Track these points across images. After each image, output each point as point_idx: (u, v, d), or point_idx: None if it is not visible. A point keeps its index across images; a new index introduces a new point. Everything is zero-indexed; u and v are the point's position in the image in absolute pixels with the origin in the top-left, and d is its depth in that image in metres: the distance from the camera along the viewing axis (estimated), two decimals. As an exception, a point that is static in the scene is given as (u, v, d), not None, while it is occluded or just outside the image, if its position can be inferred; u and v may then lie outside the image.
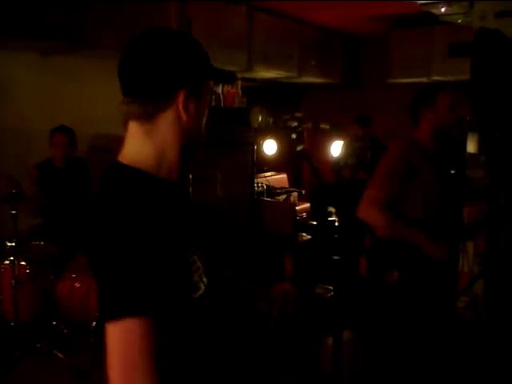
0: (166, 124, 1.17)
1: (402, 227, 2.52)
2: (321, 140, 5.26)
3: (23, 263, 3.28)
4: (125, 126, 1.21)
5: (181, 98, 1.15)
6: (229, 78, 1.16)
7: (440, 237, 2.56)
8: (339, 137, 4.41)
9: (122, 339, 1.04)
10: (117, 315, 1.04)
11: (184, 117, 1.17)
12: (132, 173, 1.16)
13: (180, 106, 1.16)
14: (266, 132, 4.77)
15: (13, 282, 3.16)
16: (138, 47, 1.16)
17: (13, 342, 3.18)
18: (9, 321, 3.25)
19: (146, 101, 1.15)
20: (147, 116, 1.16)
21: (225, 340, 1.31)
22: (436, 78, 5.35)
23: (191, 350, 1.20)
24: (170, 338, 1.13)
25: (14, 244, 3.17)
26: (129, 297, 1.05)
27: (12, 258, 3.19)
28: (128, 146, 1.20)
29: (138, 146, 1.19)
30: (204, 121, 1.24)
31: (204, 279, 1.20)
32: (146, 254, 1.06)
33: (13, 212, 3.15)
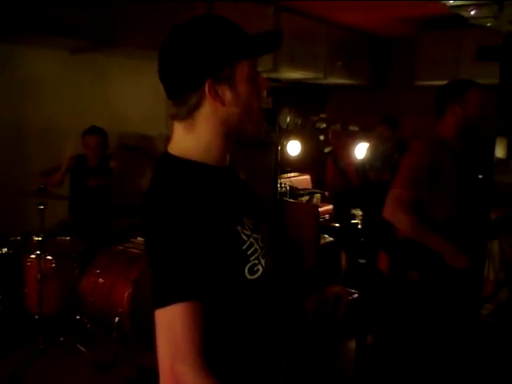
0: (203, 119, 1.16)
1: (427, 234, 2.46)
2: (346, 142, 5.23)
3: (49, 258, 3.33)
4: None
5: (207, 89, 1.12)
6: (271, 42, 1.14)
7: (462, 236, 2.51)
8: (366, 138, 4.37)
9: (169, 326, 1.06)
10: (163, 302, 1.06)
11: (220, 106, 1.14)
12: (179, 162, 1.18)
13: (210, 97, 1.13)
14: (291, 133, 4.76)
15: (38, 275, 3.20)
16: (161, 52, 1.19)
17: (37, 335, 3.23)
18: (33, 314, 3.30)
19: (177, 102, 1.17)
20: (183, 116, 1.18)
21: (281, 325, 1.29)
22: (464, 80, 5.27)
23: (243, 333, 1.19)
24: (222, 321, 1.15)
25: (40, 238, 3.22)
26: (173, 283, 1.06)
27: (38, 252, 3.24)
28: (175, 138, 1.21)
29: (183, 139, 1.20)
30: (251, 100, 1.18)
31: (262, 261, 1.19)
32: (193, 240, 1.07)
33: (40, 207, 3.19)
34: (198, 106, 1.15)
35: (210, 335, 1.09)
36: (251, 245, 1.17)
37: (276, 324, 1.26)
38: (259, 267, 1.18)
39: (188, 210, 1.08)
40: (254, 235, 1.19)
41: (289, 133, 4.82)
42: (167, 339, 1.06)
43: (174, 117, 1.19)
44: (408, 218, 2.42)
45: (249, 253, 1.16)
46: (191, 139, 1.19)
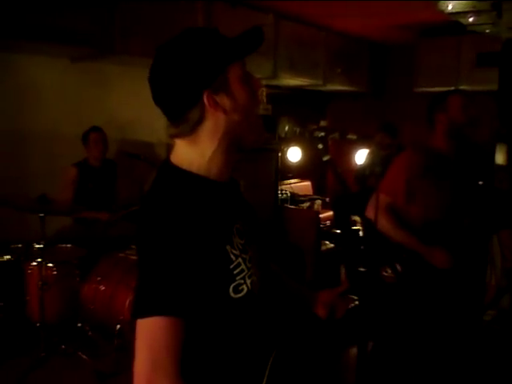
0: (207, 132, 1.18)
1: (402, 235, 2.67)
2: (345, 149, 5.24)
3: (50, 265, 3.33)
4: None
5: (207, 101, 1.14)
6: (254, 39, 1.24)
7: (448, 238, 2.65)
8: (365, 146, 4.38)
9: (148, 336, 1.08)
10: (146, 313, 1.08)
11: (221, 115, 1.16)
12: (179, 173, 1.19)
13: (211, 108, 1.14)
14: (292, 139, 4.77)
15: (39, 283, 3.20)
16: (151, 77, 1.19)
17: (38, 342, 3.23)
18: (35, 322, 3.30)
19: (179, 122, 1.19)
20: (186, 133, 1.19)
21: (268, 344, 1.31)
22: (464, 87, 5.28)
23: (225, 349, 1.21)
24: (204, 337, 1.17)
25: (41, 246, 3.23)
26: (159, 296, 1.08)
27: (39, 260, 3.24)
28: (178, 152, 1.23)
29: (186, 152, 1.21)
30: (250, 105, 1.20)
31: (248, 281, 1.20)
32: (181, 255, 1.09)
33: (41, 215, 3.20)
34: (200, 121, 1.16)
35: (191, 350, 1.12)
36: (238, 265, 1.18)
37: (258, 342, 1.27)
38: (244, 287, 1.19)
39: (180, 224, 1.10)
40: (243, 255, 1.20)
41: (290, 139, 4.83)
42: (147, 349, 1.08)
43: (176, 136, 1.21)
44: (387, 222, 2.67)
45: (235, 272, 1.18)
46: (196, 153, 1.20)
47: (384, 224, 2.68)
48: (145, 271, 1.13)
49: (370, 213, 2.64)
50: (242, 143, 1.22)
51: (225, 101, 1.15)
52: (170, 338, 1.07)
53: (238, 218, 1.26)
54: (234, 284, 1.17)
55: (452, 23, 4.41)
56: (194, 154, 1.20)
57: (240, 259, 1.19)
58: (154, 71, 1.19)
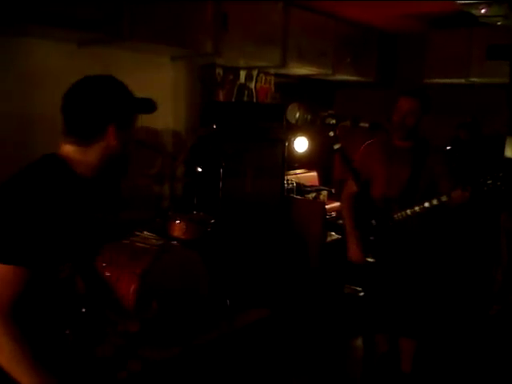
0: (98, 148, 1.58)
1: (347, 221, 3.14)
2: (355, 138, 5.20)
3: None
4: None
5: (111, 132, 1.57)
6: (150, 107, 1.77)
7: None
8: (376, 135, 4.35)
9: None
10: (5, 260, 1.40)
11: (114, 145, 1.59)
12: (61, 165, 1.58)
13: (111, 138, 1.57)
14: (299, 129, 4.74)
15: (44, 268, 3.21)
16: (71, 98, 1.59)
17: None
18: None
19: (81, 140, 1.58)
20: (81, 145, 1.58)
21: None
22: (474, 79, 5.24)
23: (44, 309, 1.57)
24: (34, 294, 1.48)
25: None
26: (19, 249, 1.41)
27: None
28: (66, 147, 1.62)
29: (71, 152, 1.60)
30: (130, 142, 1.67)
31: (70, 267, 1.55)
32: (42, 224, 1.41)
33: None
34: (97, 142, 1.57)
35: (25, 298, 1.45)
36: (71, 249, 1.54)
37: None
38: (69, 271, 1.56)
39: (50, 199, 1.44)
40: (78, 241, 1.56)
41: (297, 128, 4.80)
42: None
43: (72, 142, 1.58)
44: (342, 206, 3.26)
45: (67, 255, 1.53)
46: (80, 157, 1.58)
47: (341, 208, 3.27)
48: (8, 227, 1.42)
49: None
50: (114, 158, 1.65)
51: (121, 136, 1.60)
52: (17, 284, 1.41)
53: (93, 208, 1.65)
54: (63, 266, 1.53)
55: (464, 14, 4.36)
56: (78, 157, 1.58)
57: (76, 245, 1.54)
58: (75, 104, 1.58)
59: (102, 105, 1.55)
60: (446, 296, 3.51)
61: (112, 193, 4.08)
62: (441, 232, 3.30)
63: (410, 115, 2.86)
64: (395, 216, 2.78)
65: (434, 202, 2.72)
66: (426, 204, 2.74)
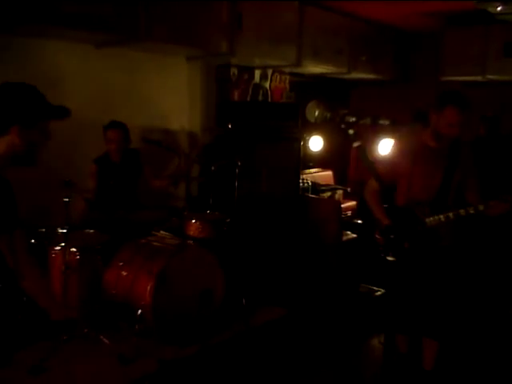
0: (4, 143, 1.78)
1: (374, 208, 2.96)
2: (375, 136, 5.16)
3: (73, 250, 3.35)
4: None
5: (14, 131, 1.78)
6: (61, 113, 1.96)
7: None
8: (395, 133, 4.32)
9: None
10: None
11: (17, 142, 1.79)
12: None
13: (14, 136, 1.78)
14: (314, 128, 4.72)
15: (63, 267, 3.24)
16: None
17: (60, 326, 3.26)
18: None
19: None
20: None
21: None
22: (491, 76, 5.19)
23: None
24: None
25: (65, 231, 3.25)
26: None
27: (63, 245, 3.27)
28: None
29: None
30: (37, 140, 1.85)
31: None
32: None
33: (65, 200, 3.22)
34: (2, 137, 1.78)
35: None
36: None
37: None
38: None
39: None
40: None
41: (312, 127, 4.78)
42: None
43: None
44: (369, 198, 2.97)
45: None
46: None
47: (367, 201, 2.99)
48: None
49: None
50: (18, 154, 1.85)
51: (24, 136, 1.80)
52: None
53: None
54: None
55: (480, 12, 4.32)
56: None
57: None
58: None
59: (6, 108, 1.78)
60: (470, 296, 3.48)
61: (129, 193, 4.12)
62: (470, 236, 3.26)
63: (456, 126, 2.75)
64: (427, 221, 2.72)
65: (471, 210, 2.67)
66: (462, 211, 2.70)
